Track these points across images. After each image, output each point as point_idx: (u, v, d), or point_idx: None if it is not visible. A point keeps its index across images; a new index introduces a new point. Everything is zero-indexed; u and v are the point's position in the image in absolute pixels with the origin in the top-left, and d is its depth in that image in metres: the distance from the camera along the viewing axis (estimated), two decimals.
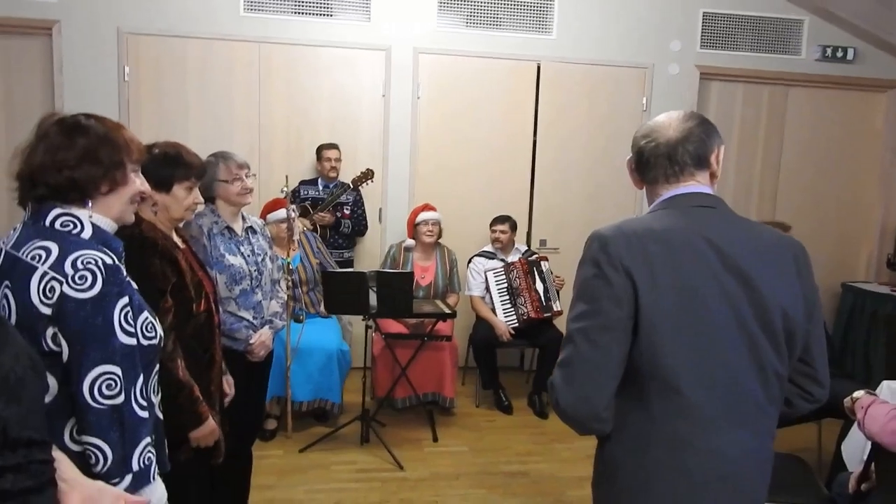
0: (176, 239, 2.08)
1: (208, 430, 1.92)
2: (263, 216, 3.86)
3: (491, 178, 4.86)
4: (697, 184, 1.39)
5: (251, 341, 2.52)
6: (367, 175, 4.34)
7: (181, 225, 2.15)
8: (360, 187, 4.38)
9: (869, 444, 2.35)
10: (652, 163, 1.40)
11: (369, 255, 4.76)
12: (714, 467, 1.29)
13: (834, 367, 3.05)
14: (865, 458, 2.31)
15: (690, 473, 1.29)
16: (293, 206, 3.64)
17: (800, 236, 3.09)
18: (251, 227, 2.65)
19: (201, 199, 2.11)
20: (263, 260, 2.63)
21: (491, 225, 4.45)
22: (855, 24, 4.96)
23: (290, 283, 3.48)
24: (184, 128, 4.40)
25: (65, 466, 1.09)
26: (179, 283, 1.96)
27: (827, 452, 3.21)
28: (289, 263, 3.50)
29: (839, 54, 5.04)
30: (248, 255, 2.56)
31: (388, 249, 4.38)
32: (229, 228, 2.53)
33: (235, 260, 2.50)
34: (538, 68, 4.81)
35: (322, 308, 3.82)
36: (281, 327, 2.75)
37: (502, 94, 4.81)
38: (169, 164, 1.99)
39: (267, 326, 2.61)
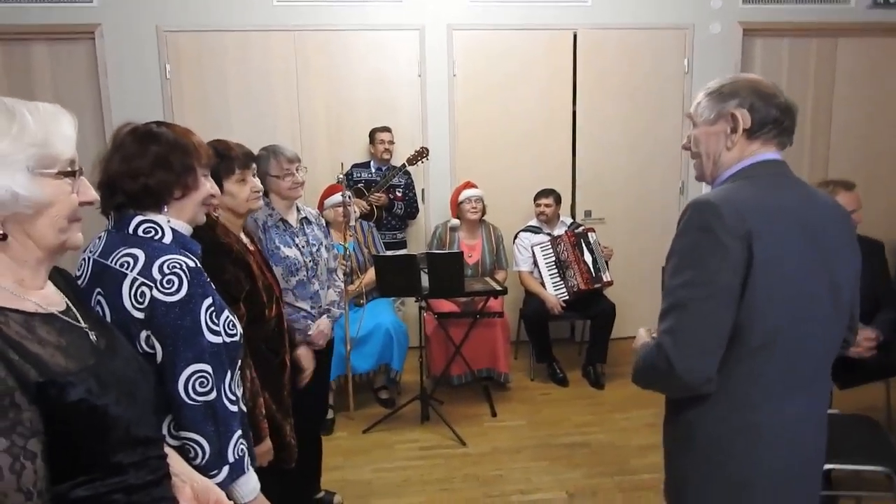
0: (245, 240, 2.11)
1: (264, 449, 1.85)
2: (321, 202, 3.94)
3: (532, 151, 4.82)
4: (776, 151, 1.43)
5: (310, 332, 2.56)
6: (422, 153, 4.35)
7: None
8: (415, 165, 4.39)
9: None
10: (774, 129, 1.40)
11: (414, 236, 4.80)
12: (782, 430, 1.36)
13: None
14: None
15: (762, 433, 1.35)
16: (349, 193, 3.68)
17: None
18: (306, 217, 2.69)
19: (259, 187, 2.11)
20: (318, 250, 2.67)
21: (535, 199, 4.43)
22: None
23: (346, 270, 3.54)
24: (227, 121, 4.47)
25: (175, 461, 1.16)
26: (252, 290, 1.97)
27: None
28: (346, 248, 3.55)
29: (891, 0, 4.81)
30: (304, 246, 2.60)
31: (434, 230, 4.40)
32: (284, 220, 2.58)
33: (290, 252, 2.54)
34: (574, 37, 4.72)
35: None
36: (339, 315, 2.79)
37: (539, 67, 4.74)
38: None
39: (325, 316, 2.65)
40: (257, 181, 2.10)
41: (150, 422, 1.07)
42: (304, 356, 2.47)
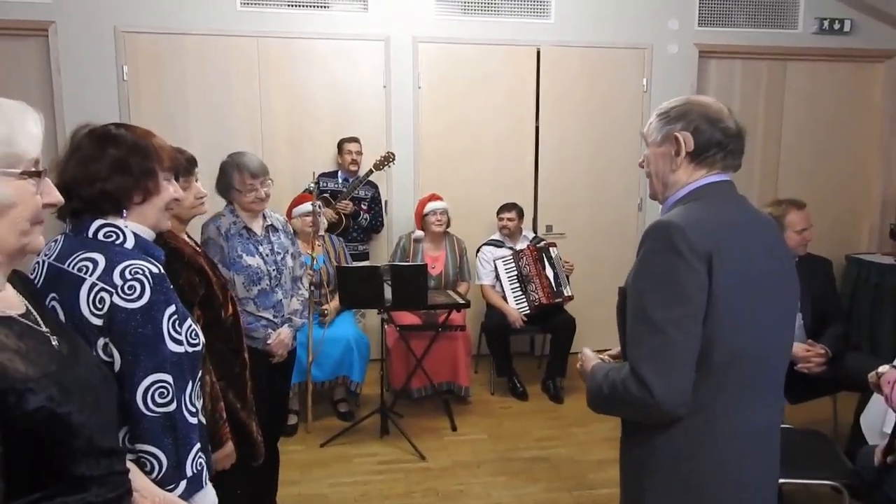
0: (191, 243, 2.06)
1: (226, 453, 1.83)
2: (289, 211, 3.88)
3: (495, 164, 4.86)
4: (722, 173, 1.44)
5: (269, 342, 2.52)
6: (388, 158, 4.32)
7: (188, 225, 2.12)
8: (382, 170, 4.35)
9: (891, 417, 2.39)
10: (718, 153, 1.40)
11: (376, 249, 4.76)
12: (749, 443, 1.38)
13: (847, 341, 3.09)
14: (889, 430, 2.35)
15: (729, 447, 1.36)
16: (318, 202, 3.65)
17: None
18: (272, 224, 2.64)
19: (203, 192, 2.06)
20: (284, 258, 2.63)
21: (498, 213, 4.45)
22: None
23: (312, 280, 3.50)
24: (185, 125, 4.36)
25: (137, 476, 1.11)
26: (208, 292, 1.94)
27: (843, 425, 3.26)
28: (314, 258, 3.50)
29: (836, 26, 5.04)
30: (268, 255, 2.56)
31: (398, 241, 4.38)
32: (248, 229, 2.53)
33: (253, 260, 2.50)
34: (538, 53, 4.80)
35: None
36: (301, 325, 2.75)
37: (503, 81, 4.79)
38: None
39: (286, 325, 2.61)
40: (200, 186, 2.06)
41: (113, 433, 1.03)
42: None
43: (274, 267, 2.57)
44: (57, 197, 0.99)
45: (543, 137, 4.90)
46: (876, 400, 2.57)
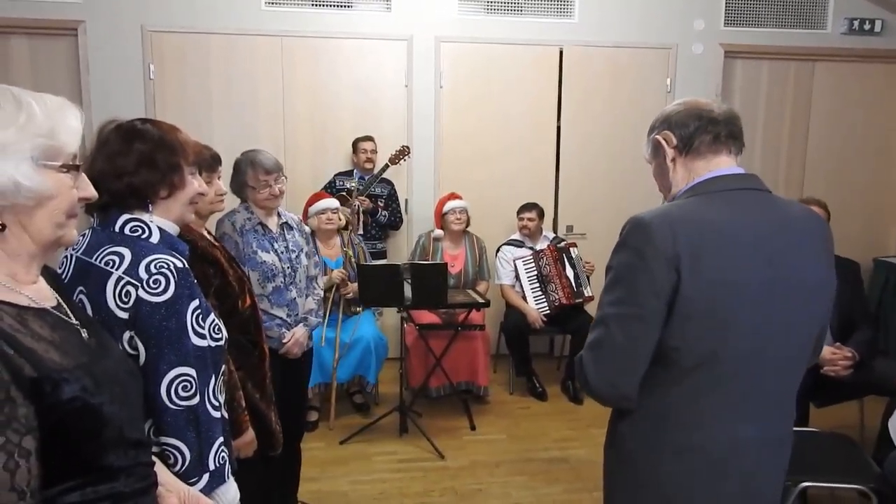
0: (208, 237, 2.08)
1: (246, 440, 1.86)
2: (306, 210, 3.89)
3: (516, 164, 4.84)
4: (735, 164, 1.38)
5: (284, 341, 2.51)
6: (404, 152, 4.33)
7: (210, 221, 2.15)
8: (398, 164, 4.37)
9: None
10: (702, 137, 1.36)
11: (396, 246, 4.77)
12: (720, 454, 1.32)
13: (875, 346, 3.03)
14: None
15: (697, 455, 1.32)
16: (357, 202, 3.70)
17: (830, 213, 3.06)
18: (286, 223, 2.64)
19: (224, 190, 2.10)
20: (298, 257, 2.62)
21: (518, 213, 4.44)
22: None
23: (348, 277, 3.66)
24: (209, 124, 4.41)
25: (161, 470, 1.12)
26: (223, 283, 1.96)
27: (870, 430, 3.20)
28: (348, 253, 3.62)
29: (866, 26, 4.94)
30: (282, 252, 2.56)
31: (418, 239, 4.39)
32: (263, 225, 2.53)
33: (268, 257, 2.49)
34: (560, 53, 4.77)
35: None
36: (316, 325, 2.73)
37: (525, 81, 4.77)
38: None
39: (301, 325, 2.60)
40: (222, 184, 2.09)
41: (140, 425, 1.04)
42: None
43: (288, 264, 2.56)
44: (92, 192, 1.01)
45: (565, 137, 4.87)
46: None
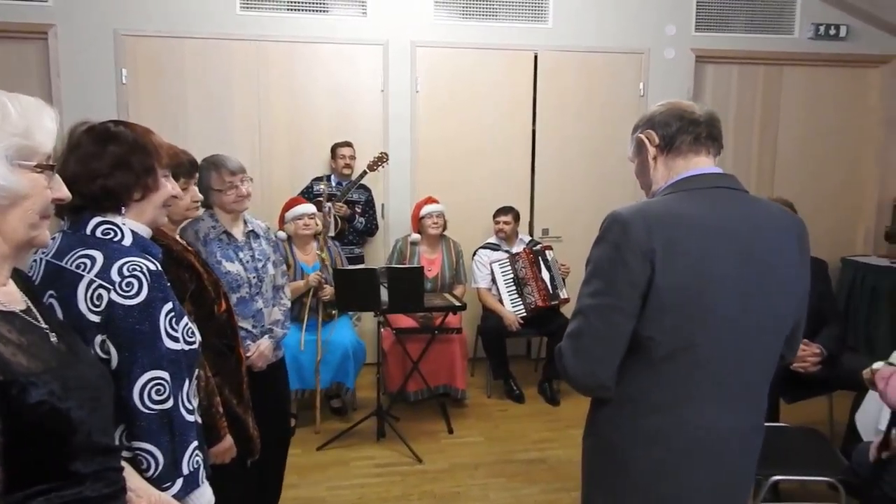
0: (182, 242, 2.06)
1: (225, 447, 1.84)
2: (282, 216, 3.86)
3: (492, 168, 4.88)
4: (713, 164, 1.44)
5: (248, 354, 2.41)
6: (382, 159, 4.34)
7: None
8: (376, 170, 4.36)
9: (885, 413, 2.40)
10: (683, 137, 1.41)
11: (373, 251, 4.77)
12: (691, 440, 1.36)
13: (843, 342, 3.10)
14: (883, 427, 2.36)
15: (669, 440, 1.36)
16: (329, 205, 3.68)
17: (799, 212, 3.16)
18: (253, 231, 2.55)
19: (199, 197, 2.07)
20: (265, 266, 2.53)
21: (494, 216, 4.46)
22: (846, 1, 4.99)
23: (324, 280, 3.66)
24: (184, 129, 4.38)
25: (131, 476, 1.11)
26: (198, 287, 1.94)
27: (838, 424, 3.27)
28: (324, 258, 3.64)
29: (832, 32, 5.07)
30: (248, 262, 2.47)
31: (395, 244, 4.39)
32: (227, 234, 2.45)
33: (233, 266, 2.42)
34: (535, 58, 4.82)
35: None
36: (282, 336, 2.63)
37: (501, 85, 4.81)
38: None
39: (266, 336, 2.51)
40: (196, 190, 2.05)
41: (110, 431, 1.03)
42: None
43: (254, 274, 2.48)
44: (65, 192, 1.01)
45: (540, 141, 4.92)
46: (871, 398, 2.59)
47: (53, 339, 1.00)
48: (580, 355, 1.36)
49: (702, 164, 1.42)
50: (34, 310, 1.01)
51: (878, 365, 2.19)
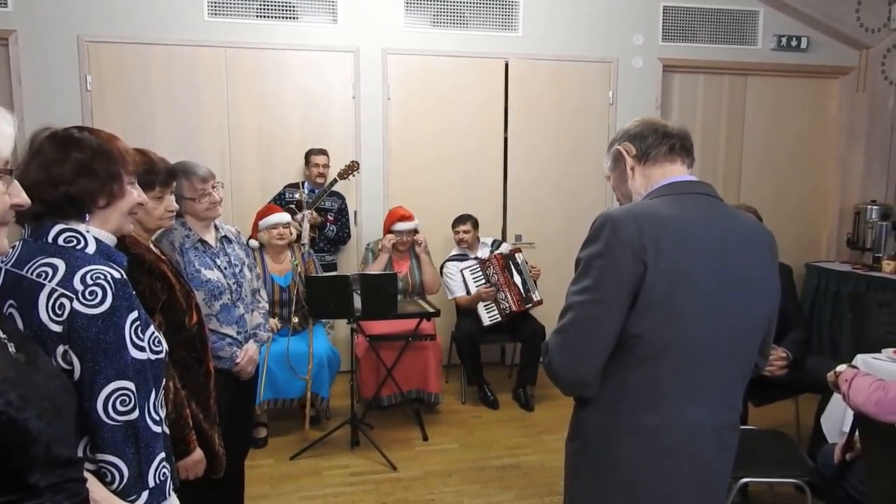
0: (155, 251, 2.02)
1: (195, 460, 1.81)
2: (255, 224, 3.81)
3: (465, 175, 4.89)
4: (688, 173, 1.50)
5: (237, 360, 2.41)
6: (353, 167, 4.30)
7: (153, 238, 2.08)
8: (347, 179, 4.34)
9: (849, 415, 2.46)
10: (659, 148, 1.49)
11: (347, 258, 4.75)
12: (674, 437, 1.39)
13: (808, 346, 3.17)
14: (847, 429, 2.41)
15: (653, 437, 1.38)
16: (306, 212, 3.66)
17: (765, 219, 3.23)
18: (225, 236, 2.52)
19: (175, 206, 2.02)
20: (241, 270, 2.51)
21: (453, 226, 4.45)
22: (807, 14, 5.14)
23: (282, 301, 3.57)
24: (151, 136, 4.31)
25: (95, 487, 1.08)
26: (170, 298, 1.90)
27: (805, 427, 3.34)
28: (297, 264, 3.59)
29: (793, 43, 5.21)
30: (226, 268, 2.44)
31: (367, 245, 4.36)
32: (202, 241, 2.41)
33: (212, 274, 2.38)
34: (506, 65, 4.86)
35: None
36: (266, 339, 2.64)
37: (472, 92, 4.84)
38: None
39: (252, 340, 2.51)
40: (172, 200, 2.01)
41: (72, 443, 1.00)
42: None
43: (234, 280, 2.45)
44: (24, 198, 0.98)
45: (512, 148, 4.96)
46: (835, 401, 2.64)
47: (11, 349, 0.97)
48: (566, 350, 1.37)
49: (678, 172, 1.48)
50: None
51: (841, 368, 2.24)
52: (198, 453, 1.83)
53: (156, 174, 1.92)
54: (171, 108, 4.41)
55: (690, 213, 1.40)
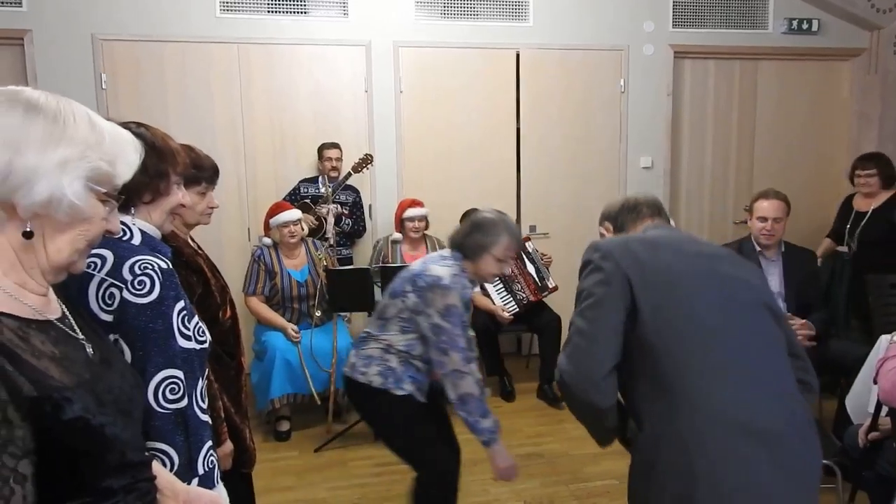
0: (193, 245, 2.05)
1: (225, 452, 1.83)
2: (266, 222, 3.82)
3: (478, 166, 4.89)
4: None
5: None
6: (367, 160, 4.31)
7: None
8: (361, 172, 4.35)
9: (874, 396, 2.46)
10: (629, 215, 1.76)
11: (363, 252, 4.75)
12: (717, 443, 1.40)
13: (834, 329, 3.17)
14: (871, 411, 2.42)
15: (695, 443, 1.39)
16: (334, 206, 3.77)
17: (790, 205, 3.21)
18: None
19: (216, 204, 2.05)
20: None
21: (461, 221, 4.43)
22: None
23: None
24: (166, 133, 4.31)
25: (159, 472, 1.08)
26: (205, 292, 1.92)
27: (827, 410, 3.34)
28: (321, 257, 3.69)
29: (804, 26, 5.18)
30: None
31: (375, 244, 4.38)
32: None
33: None
34: (517, 56, 4.85)
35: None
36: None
37: (484, 84, 4.83)
38: None
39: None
40: (213, 197, 2.04)
41: (142, 444, 1.01)
42: None
43: None
44: (117, 227, 1.00)
45: (525, 138, 4.95)
46: (860, 381, 2.64)
47: (89, 349, 0.97)
48: (572, 356, 1.48)
49: (649, 224, 1.71)
50: (70, 318, 0.98)
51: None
52: (228, 445, 1.84)
53: (203, 170, 1.94)
54: (185, 104, 4.43)
55: (670, 233, 1.67)
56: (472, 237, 2.29)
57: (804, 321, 3.03)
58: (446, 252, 2.36)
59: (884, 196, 3.94)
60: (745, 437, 1.38)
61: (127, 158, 0.96)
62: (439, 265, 2.27)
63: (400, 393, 2.28)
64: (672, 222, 1.80)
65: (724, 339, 1.44)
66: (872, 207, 3.93)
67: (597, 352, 1.44)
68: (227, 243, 4.46)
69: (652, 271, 1.47)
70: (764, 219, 3.12)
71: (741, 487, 1.36)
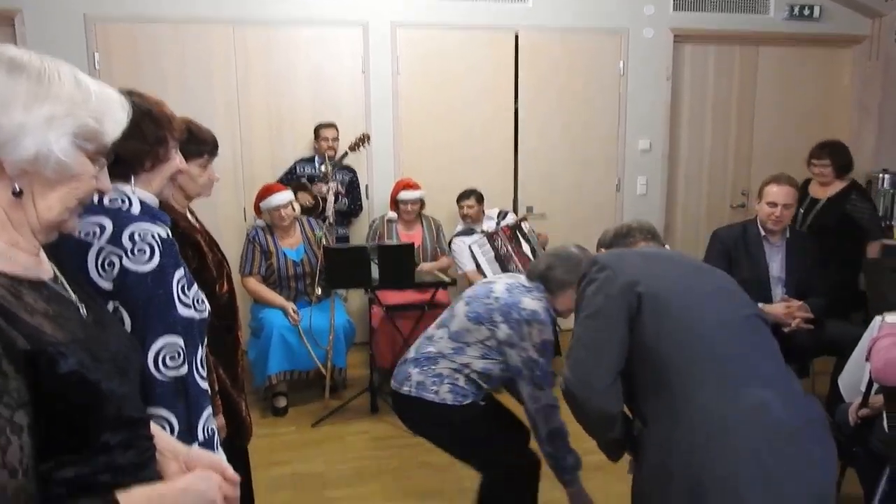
0: (190, 218, 2.06)
1: (219, 424, 1.80)
2: (256, 205, 3.82)
3: (475, 148, 4.89)
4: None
5: None
6: (363, 140, 4.31)
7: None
8: (357, 151, 4.35)
9: (866, 376, 2.49)
10: (625, 240, 1.94)
11: (359, 231, 4.76)
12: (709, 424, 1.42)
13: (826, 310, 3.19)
14: (863, 389, 2.45)
15: (693, 431, 1.42)
16: (331, 185, 3.80)
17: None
18: None
19: (217, 177, 2.06)
20: None
21: (458, 201, 4.45)
22: None
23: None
24: None
25: (160, 436, 1.10)
26: (200, 265, 1.93)
27: (819, 390, 3.38)
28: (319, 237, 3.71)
29: (805, 12, 5.16)
30: None
31: (371, 223, 4.39)
32: None
33: None
34: (516, 37, 4.83)
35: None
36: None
37: (482, 65, 4.82)
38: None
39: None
40: (213, 170, 2.04)
41: (138, 402, 1.02)
42: None
43: None
44: (108, 185, 1.00)
45: (523, 120, 4.95)
46: (853, 360, 2.67)
47: (82, 310, 0.98)
48: (576, 366, 1.52)
49: (644, 246, 1.84)
50: (62, 279, 0.99)
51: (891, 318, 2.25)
52: (220, 419, 1.84)
53: (204, 142, 1.95)
54: (180, 84, 4.40)
55: (657, 250, 1.83)
56: (555, 271, 2.27)
57: (801, 303, 3.06)
58: (525, 281, 2.32)
59: (839, 185, 3.94)
60: (762, 435, 1.37)
61: (114, 116, 0.96)
62: (530, 298, 2.22)
63: (466, 402, 2.31)
64: (667, 246, 1.90)
65: (729, 343, 1.49)
66: (827, 196, 3.94)
67: (599, 361, 1.48)
68: (224, 224, 4.46)
69: (649, 279, 1.52)
70: (774, 204, 3.10)
71: (755, 483, 1.35)
